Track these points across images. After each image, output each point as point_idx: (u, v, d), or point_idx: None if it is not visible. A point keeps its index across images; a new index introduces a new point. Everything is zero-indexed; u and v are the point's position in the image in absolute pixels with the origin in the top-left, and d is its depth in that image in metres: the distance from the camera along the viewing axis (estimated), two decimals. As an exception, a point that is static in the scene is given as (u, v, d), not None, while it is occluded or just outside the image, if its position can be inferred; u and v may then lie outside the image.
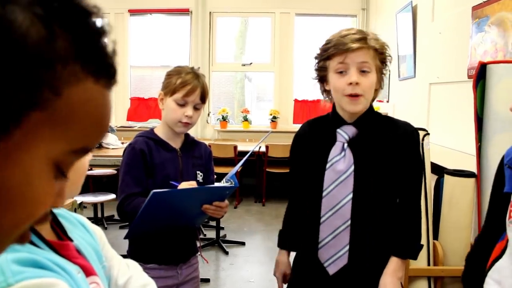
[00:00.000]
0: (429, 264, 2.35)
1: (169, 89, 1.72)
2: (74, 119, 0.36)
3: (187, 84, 1.70)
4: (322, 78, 1.54)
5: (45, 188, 0.37)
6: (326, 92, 1.57)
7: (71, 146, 0.37)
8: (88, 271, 0.83)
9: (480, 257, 1.38)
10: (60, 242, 0.81)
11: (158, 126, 1.83)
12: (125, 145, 1.81)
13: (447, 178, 2.38)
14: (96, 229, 0.99)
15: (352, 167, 1.47)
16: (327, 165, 1.49)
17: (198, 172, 1.82)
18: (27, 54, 0.32)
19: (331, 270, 1.51)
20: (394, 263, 1.50)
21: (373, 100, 1.53)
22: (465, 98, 3.20)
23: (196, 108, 1.74)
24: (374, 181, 1.48)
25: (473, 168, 2.31)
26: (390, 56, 1.53)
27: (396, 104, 5.43)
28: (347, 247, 1.48)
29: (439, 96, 4.12)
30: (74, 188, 0.84)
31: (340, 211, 1.48)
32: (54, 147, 0.36)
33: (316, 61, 1.54)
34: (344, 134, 1.50)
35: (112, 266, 1.00)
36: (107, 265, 0.97)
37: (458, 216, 2.31)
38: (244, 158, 1.68)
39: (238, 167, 1.72)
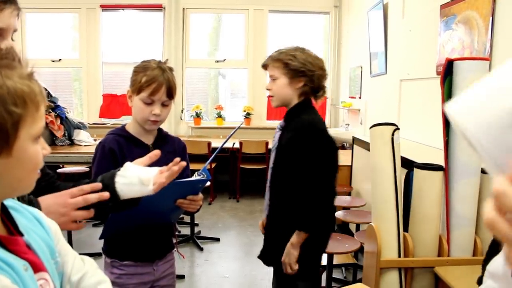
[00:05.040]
0: (399, 256, 2.41)
1: (135, 87, 1.68)
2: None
3: (152, 83, 1.65)
4: None
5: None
6: None
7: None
8: (36, 267, 0.82)
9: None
10: (9, 237, 0.80)
11: (129, 123, 1.79)
12: (97, 142, 1.78)
13: (416, 171, 2.44)
14: (52, 224, 0.96)
15: (276, 145, 2.06)
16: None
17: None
18: None
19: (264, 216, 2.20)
20: (294, 234, 1.98)
21: (303, 94, 2.02)
22: (434, 94, 3.29)
23: (164, 105, 1.70)
24: (282, 159, 2.02)
25: (441, 161, 2.38)
26: (292, 56, 1.98)
27: (368, 100, 5.52)
28: (268, 202, 2.12)
29: (409, 92, 4.22)
30: (24, 185, 0.82)
31: (268, 176, 2.11)
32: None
33: None
34: (279, 123, 2.12)
35: (65, 262, 0.98)
36: (60, 261, 0.95)
37: (427, 208, 2.37)
38: (216, 151, 1.69)
39: (210, 160, 1.72)
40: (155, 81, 1.65)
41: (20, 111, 0.74)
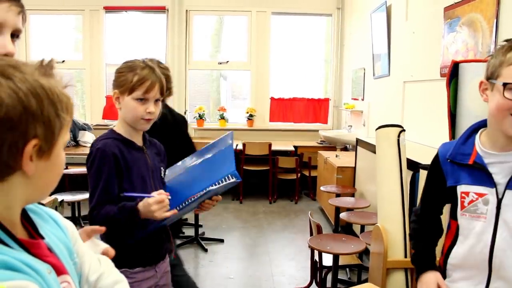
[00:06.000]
0: (406, 256, 2.42)
1: (126, 87, 1.67)
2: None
3: (145, 81, 1.65)
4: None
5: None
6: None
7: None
8: (59, 270, 0.82)
9: (425, 244, 1.57)
10: (31, 241, 0.80)
11: (117, 126, 1.77)
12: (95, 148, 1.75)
13: (422, 173, 2.46)
14: (68, 225, 0.97)
15: None
16: None
17: (161, 167, 1.82)
18: None
19: None
20: None
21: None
22: (438, 96, 3.31)
23: (156, 102, 1.71)
24: None
25: (446, 163, 2.39)
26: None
27: (371, 102, 5.53)
28: None
29: (413, 94, 4.23)
30: (50, 189, 0.84)
31: None
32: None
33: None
34: None
35: (83, 263, 0.99)
36: (78, 262, 0.95)
37: (433, 210, 2.39)
38: (232, 155, 1.70)
39: (234, 162, 1.72)
40: (148, 80, 1.65)
41: (66, 117, 0.78)
